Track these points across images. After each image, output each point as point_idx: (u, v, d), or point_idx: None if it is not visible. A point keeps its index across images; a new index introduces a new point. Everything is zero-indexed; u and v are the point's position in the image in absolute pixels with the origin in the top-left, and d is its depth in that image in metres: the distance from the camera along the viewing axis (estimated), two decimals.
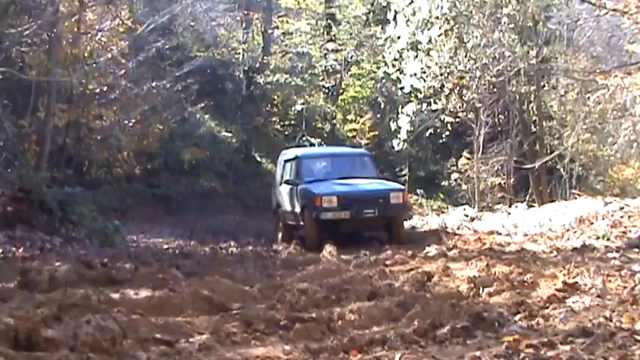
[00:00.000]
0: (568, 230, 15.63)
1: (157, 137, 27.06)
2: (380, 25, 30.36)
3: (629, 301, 7.57)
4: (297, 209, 18.41)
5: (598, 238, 13.97)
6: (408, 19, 23.03)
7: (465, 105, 25.16)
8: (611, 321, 6.78)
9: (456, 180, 30.06)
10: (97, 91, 23.81)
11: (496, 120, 27.23)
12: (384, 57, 26.10)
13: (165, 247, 18.52)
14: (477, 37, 23.62)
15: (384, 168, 26.69)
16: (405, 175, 32.71)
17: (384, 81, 34.51)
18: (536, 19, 24.56)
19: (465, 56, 23.77)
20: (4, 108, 20.31)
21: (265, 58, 35.37)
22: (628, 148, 26.55)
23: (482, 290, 8.97)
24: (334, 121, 37.25)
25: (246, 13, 34.88)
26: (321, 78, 36.93)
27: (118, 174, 27.07)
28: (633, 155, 27.82)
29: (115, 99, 24.57)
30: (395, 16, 23.44)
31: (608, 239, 13.66)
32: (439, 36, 23.19)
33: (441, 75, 23.95)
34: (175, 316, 7.75)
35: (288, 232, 19.44)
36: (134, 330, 6.90)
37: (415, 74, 23.71)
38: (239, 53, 35.77)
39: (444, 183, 32.21)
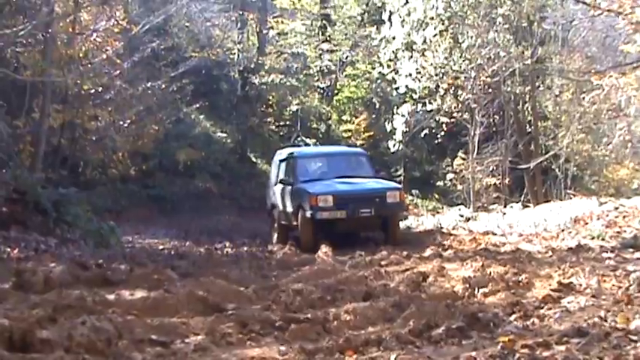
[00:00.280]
0: (563, 230, 15.63)
1: (152, 138, 27.07)
2: (375, 26, 30.37)
3: (624, 301, 7.58)
4: (293, 209, 18.29)
5: (593, 238, 13.98)
6: (403, 20, 23.01)
7: (460, 105, 25.16)
8: (606, 321, 6.79)
9: (451, 180, 30.09)
10: (92, 91, 23.83)
11: (491, 120, 27.24)
12: (379, 57, 26.10)
13: (161, 247, 18.52)
14: (471, 37, 23.63)
15: (380, 168, 26.64)
16: (400, 175, 32.73)
17: (379, 81, 34.53)
18: (531, 20, 24.59)
19: (460, 56, 23.78)
20: None
21: (260, 58, 35.39)
22: (622, 149, 26.59)
23: (478, 290, 8.98)
24: (329, 121, 37.26)
25: (241, 13, 34.90)
26: (316, 78, 36.96)
27: (113, 175, 27.09)
28: (628, 155, 27.86)
29: (110, 99, 24.58)
30: (390, 16, 23.41)
31: (603, 239, 13.66)
32: (434, 36, 23.17)
33: (436, 75, 23.95)
34: (170, 317, 7.74)
35: (284, 232, 19.32)
36: (129, 331, 6.90)
37: (410, 75, 23.69)
38: (234, 54, 35.77)
39: (439, 183, 32.22)
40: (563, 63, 27.45)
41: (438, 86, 24.29)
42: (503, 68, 23.95)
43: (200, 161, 31.49)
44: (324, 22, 37.17)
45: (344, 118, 38.47)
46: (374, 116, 36.71)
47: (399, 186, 20.15)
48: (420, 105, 24.73)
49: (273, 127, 37.23)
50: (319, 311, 8.17)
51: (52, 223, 16.02)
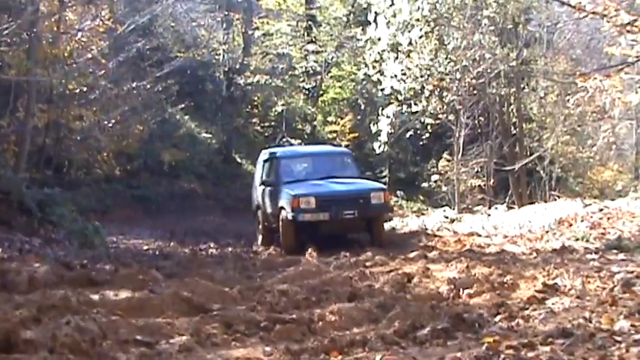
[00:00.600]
0: (547, 232, 15.66)
1: (136, 138, 27.00)
2: (360, 27, 30.38)
3: (609, 302, 7.60)
4: (276, 211, 17.80)
5: (577, 239, 14.01)
6: (389, 21, 23.02)
7: (445, 107, 25.17)
8: (590, 322, 6.80)
9: (436, 182, 30.09)
10: (77, 91, 23.74)
11: (476, 122, 27.30)
12: (364, 58, 26.09)
13: (145, 248, 18.50)
14: (457, 39, 23.66)
15: (365, 169, 26.65)
16: (385, 176, 32.78)
17: (364, 82, 34.54)
18: (516, 22, 24.67)
19: (446, 58, 23.80)
20: None
21: (245, 59, 35.35)
22: (607, 151, 26.77)
23: (463, 291, 9.01)
24: (314, 122, 37.25)
25: (226, 13, 34.85)
26: (301, 79, 36.97)
27: (97, 175, 27.00)
28: (612, 157, 28.04)
29: (94, 99, 24.51)
30: (375, 17, 23.42)
31: (587, 241, 13.70)
32: (420, 38, 23.18)
33: (422, 77, 23.95)
34: (155, 318, 7.72)
35: (269, 234, 18.94)
36: (114, 331, 6.88)
37: (395, 76, 23.69)
38: (219, 54, 35.72)
39: (424, 184, 32.20)
40: (548, 65, 27.55)
41: (423, 88, 24.29)
42: (489, 70, 24.00)
43: (185, 162, 31.42)
44: (309, 22, 37.20)
45: (329, 119, 38.48)
46: (359, 117, 36.74)
47: (384, 186, 19.56)
48: (405, 106, 24.69)
49: (259, 127, 37.19)
50: (304, 312, 8.18)
51: (37, 223, 15.92)
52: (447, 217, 22.07)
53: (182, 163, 31.18)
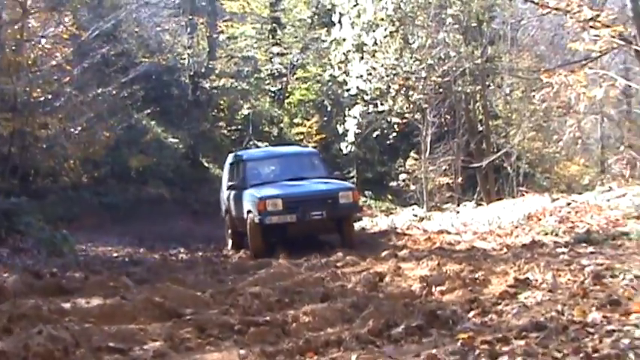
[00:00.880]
0: (517, 227, 15.72)
1: (103, 145, 26.74)
2: (325, 28, 30.43)
3: (580, 294, 7.64)
4: (244, 214, 17.29)
5: (546, 234, 14.07)
6: (353, 22, 23.06)
7: (411, 106, 25.24)
8: (563, 315, 6.85)
9: (404, 180, 30.15)
10: (42, 98, 23.48)
11: (443, 120, 27.36)
12: (329, 59, 26.17)
13: (115, 255, 18.36)
14: (422, 37, 23.76)
15: (333, 169, 26.64)
16: (352, 177, 32.82)
17: (330, 84, 34.59)
18: (480, 19, 24.80)
19: (411, 57, 23.88)
20: None
21: (211, 62, 35.26)
22: (573, 145, 26.93)
23: (435, 289, 9.03)
24: (281, 124, 37.27)
25: (190, 18, 34.69)
26: (267, 82, 36.99)
27: (64, 183, 26.78)
28: (578, 152, 28.22)
29: (60, 107, 24.26)
30: (340, 18, 23.45)
31: (556, 235, 13.77)
32: (384, 37, 23.24)
33: (387, 76, 24.02)
34: (128, 324, 7.70)
35: (238, 238, 18.51)
36: (87, 339, 6.85)
37: (361, 76, 23.74)
38: (184, 58, 35.59)
39: (392, 184, 32.19)
40: (512, 62, 27.74)
41: (389, 87, 24.36)
42: (454, 68, 24.12)
43: (152, 167, 31.23)
44: (274, 25, 37.25)
45: (295, 120, 38.45)
46: (325, 118, 36.74)
47: (353, 186, 19.12)
48: (371, 106, 24.72)
49: (225, 131, 37.04)
50: (278, 314, 8.17)
51: (4, 232, 15.83)
52: (416, 216, 22.13)
53: (149, 169, 31.00)
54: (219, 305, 8.98)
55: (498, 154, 26.13)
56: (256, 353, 6.48)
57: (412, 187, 29.22)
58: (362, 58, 23.74)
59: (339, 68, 24.88)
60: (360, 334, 6.86)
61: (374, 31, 23.07)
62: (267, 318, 7.90)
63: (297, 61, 36.55)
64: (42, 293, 9.82)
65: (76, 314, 8.13)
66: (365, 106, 24.79)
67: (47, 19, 23.44)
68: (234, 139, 35.97)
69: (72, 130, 24.57)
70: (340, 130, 25.59)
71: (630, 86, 24.60)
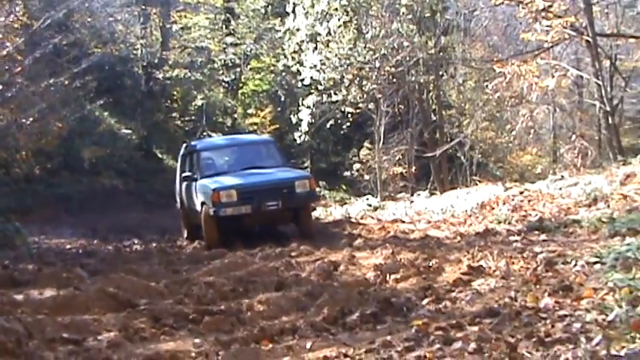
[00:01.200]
0: (470, 216, 15.85)
1: (55, 136, 26.45)
2: (279, 18, 30.42)
3: (533, 281, 7.74)
4: (198, 207, 16.83)
5: (500, 222, 14.20)
6: (307, 11, 23.12)
7: (365, 96, 25.32)
8: (516, 301, 6.94)
9: (357, 170, 30.23)
10: None
11: (396, 110, 27.41)
12: (283, 50, 26.16)
13: (68, 247, 18.21)
14: (375, 28, 23.83)
15: (289, 158, 26.59)
16: (307, 167, 32.80)
17: (283, 74, 34.55)
18: (433, 10, 24.90)
19: (364, 47, 23.95)
20: None
21: (164, 53, 35.04)
22: (525, 135, 27.15)
23: (389, 277, 9.09)
24: (235, 115, 37.17)
25: (143, 8, 34.42)
26: (220, 72, 36.84)
27: (16, 174, 26.51)
28: (531, 142, 28.44)
29: (11, 97, 23.94)
30: (294, 8, 23.50)
31: (509, 223, 13.89)
32: (338, 27, 23.33)
33: (341, 66, 24.09)
34: (82, 315, 7.65)
35: (193, 229, 18.00)
36: (40, 330, 6.80)
37: (315, 66, 23.79)
38: (137, 49, 35.34)
39: (346, 174, 32.24)
40: (465, 52, 27.89)
41: (342, 77, 24.42)
42: (407, 58, 24.22)
43: (105, 158, 31.00)
44: (227, 15, 37.08)
45: (249, 111, 38.34)
46: (279, 109, 36.70)
47: (309, 174, 18.47)
48: (325, 96, 24.76)
49: (179, 122, 36.83)
50: (232, 303, 8.18)
51: None
52: (370, 205, 22.19)
53: (102, 160, 30.76)
54: (174, 295, 8.95)
55: (452, 143, 26.28)
56: (211, 342, 6.48)
57: (366, 177, 29.30)
58: (316, 48, 23.78)
59: (293, 58, 24.90)
60: (315, 322, 6.89)
61: (328, 21, 23.14)
62: (222, 307, 7.90)
63: (250, 51, 36.44)
64: None
65: (29, 306, 8.07)
66: (319, 96, 24.82)
67: None
68: (188, 130, 35.80)
69: (24, 120, 24.25)
70: (294, 120, 25.63)
71: (582, 76, 24.95)
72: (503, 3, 20.78)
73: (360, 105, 25.91)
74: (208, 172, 17.36)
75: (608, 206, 13.05)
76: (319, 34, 23.55)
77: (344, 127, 28.34)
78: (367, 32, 23.84)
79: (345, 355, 5.90)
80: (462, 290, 7.82)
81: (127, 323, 7.21)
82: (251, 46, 36.16)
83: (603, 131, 25.41)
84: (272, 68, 36.93)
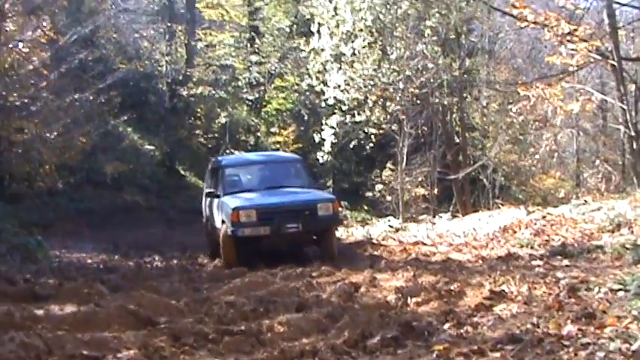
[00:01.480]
0: (492, 239, 15.78)
1: (79, 150, 26.58)
2: (304, 38, 30.44)
3: (555, 307, 7.66)
4: (219, 224, 16.53)
5: (522, 246, 14.13)
6: (332, 32, 23.13)
7: (388, 117, 25.25)
8: (538, 327, 6.86)
9: (380, 191, 30.16)
10: (18, 103, 23.35)
11: (419, 131, 27.36)
12: (307, 69, 26.14)
13: (89, 261, 18.22)
14: (400, 49, 23.79)
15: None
16: (329, 187, 32.78)
17: (307, 93, 34.52)
18: (458, 32, 24.87)
19: (389, 68, 23.91)
20: None
21: (188, 70, 35.13)
22: (549, 158, 27.05)
23: (410, 300, 9.03)
24: (258, 133, 37.23)
25: (169, 25, 34.59)
26: (244, 90, 36.91)
27: (39, 188, 26.59)
28: (554, 165, 28.32)
29: (36, 111, 24.09)
30: (319, 28, 23.51)
31: (531, 247, 13.83)
32: (363, 48, 23.32)
33: (365, 87, 24.06)
34: (102, 332, 7.62)
35: (216, 248, 16.99)
36: (60, 346, 6.77)
37: (339, 86, 23.78)
38: (162, 65, 35.49)
39: (369, 194, 32.22)
40: (490, 74, 27.87)
41: (366, 97, 24.39)
42: (432, 80, 24.18)
43: (128, 174, 31.09)
44: (252, 34, 37.24)
45: (272, 130, 38.41)
46: (302, 128, 36.72)
47: (333, 197, 17.25)
48: (348, 116, 24.71)
49: (202, 139, 36.97)
50: (252, 323, 8.13)
51: None
52: (391, 227, 22.11)
53: (125, 176, 30.86)
54: (194, 314, 8.93)
55: (475, 166, 26.21)
56: None
57: (388, 198, 29.22)
58: (340, 68, 23.78)
59: (317, 78, 24.89)
60: (336, 345, 6.84)
61: (352, 41, 23.14)
62: (242, 327, 7.85)
63: (275, 70, 36.56)
64: (15, 300, 9.73)
65: (50, 321, 8.06)
66: (342, 116, 24.78)
67: (25, 23, 23.32)
68: (211, 148, 35.90)
69: (48, 135, 24.41)
70: (317, 139, 25.58)
71: (606, 100, 24.81)
72: (528, 26, 20.70)
73: (384, 126, 25.85)
74: (231, 189, 16.94)
75: (632, 232, 12.95)
76: (344, 55, 23.55)
77: (367, 147, 28.27)
78: (392, 53, 23.82)
79: None
80: (484, 315, 7.75)
81: (147, 341, 7.17)
82: (275, 65, 36.29)
83: (627, 156, 25.24)
84: (296, 87, 36.96)
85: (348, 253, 16.80)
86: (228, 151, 33.20)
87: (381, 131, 26.42)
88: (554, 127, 23.79)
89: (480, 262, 12.63)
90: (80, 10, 31.01)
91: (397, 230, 21.40)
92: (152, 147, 34.56)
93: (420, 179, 28.11)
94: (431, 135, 27.59)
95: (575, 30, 19.05)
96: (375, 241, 19.25)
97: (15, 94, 23.09)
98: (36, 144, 24.16)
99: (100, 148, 29.72)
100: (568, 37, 19.15)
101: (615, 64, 19.98)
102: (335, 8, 23.16)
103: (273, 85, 37.78)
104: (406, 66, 23.82)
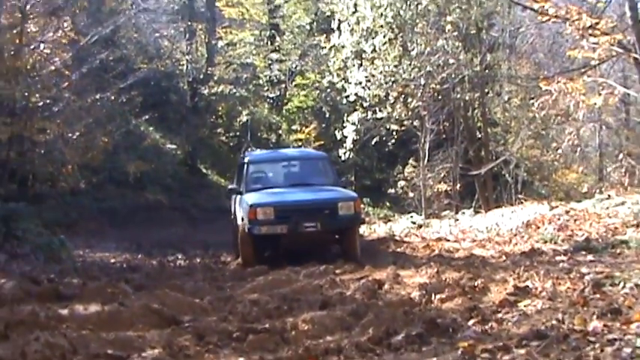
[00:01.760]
0: (515, 235, 15.74)
1: (101, 150, 26.63)
2: (324, 35, 30.41)
3: (580, 303, 7.63)
4: (239, 221, 16.02)
5: (545, 242, 14.09)
6: (353, 28, 23.14)
7: (410, 113, 25.23)
8: (563, 323, 6.82)
9: (402, 188, 30.09)
10: (40, 103, 23.44)
11: (441, 127, 27.23)
12: (328, 66, 26.19)
13: (113, 261, 18.26)
14: (421, 45, 23.75)
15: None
16: (351, 183, 32.75)
17: (328, 90, 34.56)
18: (479, 27, 24.76)
19: (410, 64, 23.86)
20: None
21: (209, 69, 35.16)
22: (571, 153, 26.91)
23: (434, 296, 8.99)
24: (279, 131, 37.27)
25: (189, 24, 34.64)
26: (265, 88, 36.98)
27: (62, 188, 26.67)
28: (577, 160, 28.18)
29: (58, 112, 24.17)
30: (339, 25, 23.52)
31: (555, 243, 13.79)
32: (383, 44, 23.30)
33: (386, 83, 24.04)
34: (126, 331, 7.63)
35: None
36: (84, 346, 6.78)
37: (360, 83, 23.79)
38: (183, 64, 35.54)
39: (391, 191, 32.15)
40: (511, 69, 27.70)
41: (387, 94, 24.36)
42: (453, 75, 24.09)
43: (150, 173, 31.14)
44: (273, 32, 37.24)
45: (294, 127, 38.40)
46: (324, 125, 36.69)
47: (354, 195, 16.45)
48: (370, 113, 24.71)
49: (223, 137, 37.06)
50: (276, 321, 8.12)
51: (2, 238, 15.75)
52: (414, 223, 22.10)
53: (147, 175, 30.90)
54: (218, 312, 8.93)
55: (497, 161, 26.09)
56: None
57: (410, 195, 29.17)
58: (361, 64, 23.78)
59: (338, 75, 24.92)
60: (360, 342, 6.82)
61: (373, 38, 23.13)
62: (266, 325, 7.84)
63: (295, 67, 36.57)
64: (39, 299, 9.74)
65: (74, 321, 8.07)
66: (363, 112, 24.79)
67: (46, 24, 23.40)
68: (233, 146, 35.98)
69: (70, 135, 24.47)
70: (339, 136, 25.60)
71: (629, 94, 24.65)
72: (549, 20, 20.57)
73: (405, 122, 25.84)
74: (254, 185, 16.51)
75: None
76: (364, 51, 23.55)
77: (389, 144, 28.32)
78: (412, 49, 23.77)
79: None
80: (508, 311, 7.72)
81: (171, 340, 7.16)
82: (296, 63, 36.31)
83: None
84: (317, 85, 36.94)
85: (371, 250, 16.72)
86: (250, 150, 33.25)
87: (402, 127, 26.44)
88: (577, 121, 23.64)
89: (504, 257, 12.59)
90: (101, 10, 31.06)
91: (420, 227, 21.38)
92: (174, 146, 34.65)
93: (442, 175, 27.99)
94: (452, 131, 27.48)
95: (597, 23, 18.91)
96: (397, 237, 19.22)
97: (37, 95, 23.17)
98: (58, 144, 24.23)
99: (122, 148, 29.78)
100: (590, 31, 19.02)
101: (638, 57, 19.85)
102: (355, 5, 23.18)
103: (294, 83, 37.78)
104: (427, 62, 23.79)
